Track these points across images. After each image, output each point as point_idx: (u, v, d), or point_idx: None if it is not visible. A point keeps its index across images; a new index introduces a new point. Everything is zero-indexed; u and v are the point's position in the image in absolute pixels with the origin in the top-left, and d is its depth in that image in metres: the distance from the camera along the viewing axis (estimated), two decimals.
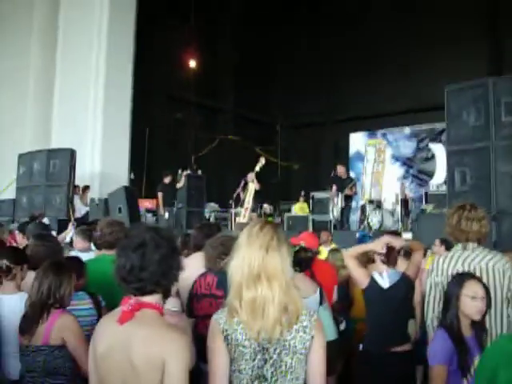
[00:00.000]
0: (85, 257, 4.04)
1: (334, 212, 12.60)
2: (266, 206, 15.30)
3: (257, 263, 2.07)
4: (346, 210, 12.82)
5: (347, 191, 12.66)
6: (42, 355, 2.87)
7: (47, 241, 4.11)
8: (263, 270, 2.06)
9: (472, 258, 3.14)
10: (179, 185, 12.85)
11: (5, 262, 3.34)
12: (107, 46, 12.91)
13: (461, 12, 17.18)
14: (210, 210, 14.90)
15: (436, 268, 3.21)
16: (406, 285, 3.61)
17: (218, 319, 2.12)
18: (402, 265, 3.92)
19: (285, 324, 2.04)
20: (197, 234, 4.20)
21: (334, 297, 4.86)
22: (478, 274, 3.09)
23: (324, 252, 6.66)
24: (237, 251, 2.15)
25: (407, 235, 9.39)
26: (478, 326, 2.90)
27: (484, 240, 3.24)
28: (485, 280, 3.08)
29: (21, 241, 5.79)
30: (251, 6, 20.30)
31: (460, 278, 2.96)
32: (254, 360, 2.05)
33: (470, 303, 2.82)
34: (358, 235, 11.13)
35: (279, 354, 2.05)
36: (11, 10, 14.21)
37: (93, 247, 4.55)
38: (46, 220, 8.25)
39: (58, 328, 2.89)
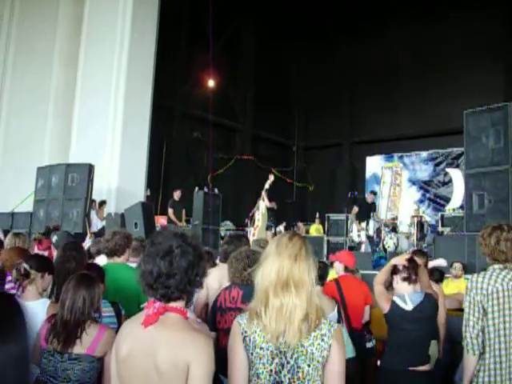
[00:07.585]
0: None
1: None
2: (281, 227, 15.28)
3: (286, 271, 2.11)
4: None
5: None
6: (79, 364, 2.86)
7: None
8: (292, 278, 2.10)
9: (510, 276, 3.11)
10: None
11: (24, 266, 3.36)
12: (127, 63, 13.04)
13: (477, 37, 17.23)
14: (226, 229, 14.92)
15: (475, 287, 3.15)
16: (431, 304, 3.60)
17: (240, 320, 2.17)
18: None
19: (304, 331, 2.05)
20: (227, 247, 4.16)
21: (366, 317, 4.89)
22: None
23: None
24: (265, 260, 2.18)
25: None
26: None
27: None
28: None
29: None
30: (271, 29, 20.53)
31: None
32: (271, 364, 2.07)
33: None
34: (374, 257, 11.10)
35: (296, 359, 2.06)
36: (35, 30, 14.60)
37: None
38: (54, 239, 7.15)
39: (105, 342, 2.88)
